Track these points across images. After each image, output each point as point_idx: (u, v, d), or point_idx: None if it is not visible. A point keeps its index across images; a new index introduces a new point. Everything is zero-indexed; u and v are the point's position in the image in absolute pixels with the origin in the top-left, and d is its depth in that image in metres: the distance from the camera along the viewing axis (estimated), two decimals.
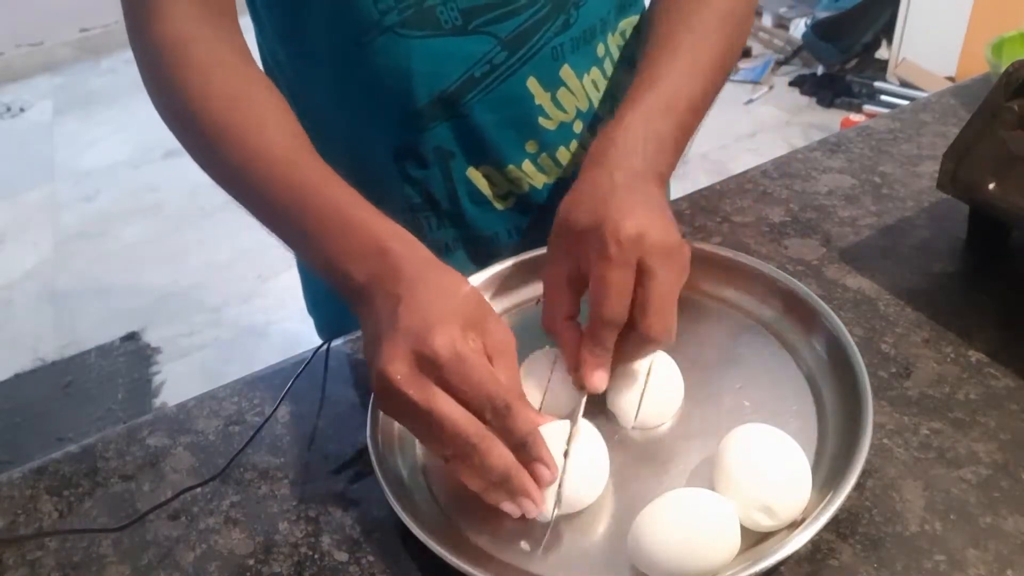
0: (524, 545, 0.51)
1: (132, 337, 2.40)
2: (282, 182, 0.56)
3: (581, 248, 0.54)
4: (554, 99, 0.72)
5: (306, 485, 0.58)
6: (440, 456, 0.50)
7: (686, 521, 0.47)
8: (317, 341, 0.68)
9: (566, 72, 0.71)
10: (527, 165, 0.74)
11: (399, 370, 0.47)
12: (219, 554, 0.54)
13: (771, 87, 3.33)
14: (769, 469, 0.49)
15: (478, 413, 0.48)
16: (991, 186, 0.64)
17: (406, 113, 0.69)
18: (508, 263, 0.69)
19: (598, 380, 0.54)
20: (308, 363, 0.65)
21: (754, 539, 0.49)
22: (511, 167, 0.74)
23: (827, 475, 0.51)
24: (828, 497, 0.48)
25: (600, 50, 0.73)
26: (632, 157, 0.57)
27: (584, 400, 0.55)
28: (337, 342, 0.68)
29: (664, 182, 0.60)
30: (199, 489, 0.57)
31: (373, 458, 0.54)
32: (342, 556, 0.53)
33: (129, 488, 0.59)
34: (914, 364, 0.61)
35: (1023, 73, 0.58)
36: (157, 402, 2.20)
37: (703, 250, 0.66)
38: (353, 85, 0.69)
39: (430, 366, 0.47)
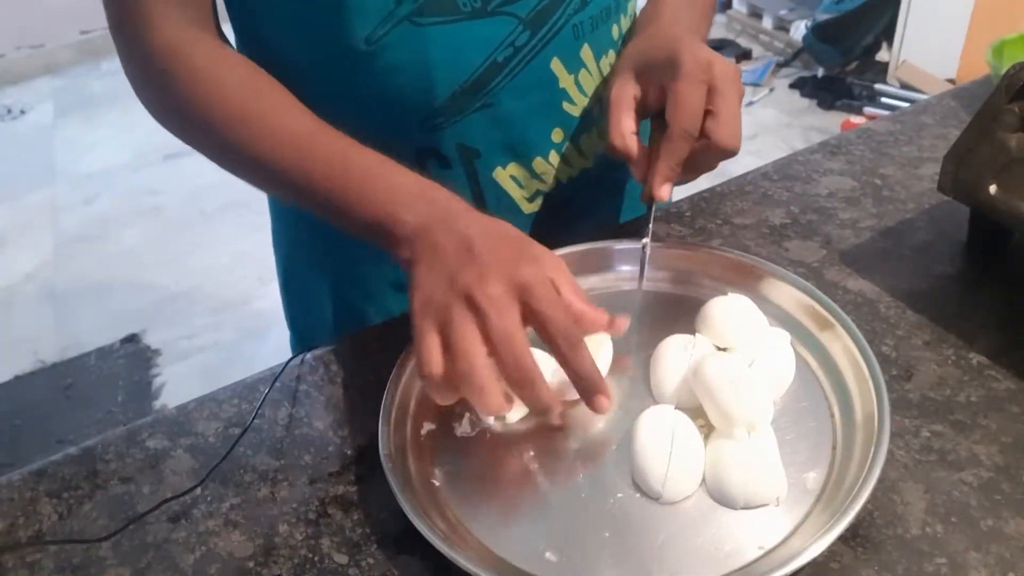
0: (550, 555, 0.51)
1: (132, 339, 2.40)
2: (318, 151, 0.60)
3: (652, 76, 0.64)
4: (577, 82, 0.72)
5: (306, 487, 0.57)
6: (470, 384, 0.51)
7: None
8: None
9: (586, 53, 0.71)
10: (553, 156, 0.74)
11: (491, 291, 0.51)
12: (219, 556, 0.54)
13: (772, 89, 3.33)
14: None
15: (552, 341, 0.52)
16: (992, 189, 0.64)
17: (427, 109, 0.68)
18: None
19: (665, 191, 0.64)
20: (277, 377, 0.65)
21: (758, 553, 0.49)
22: (538, 159, 0.74)
23: (835, 489, 0.52)
24: (839, 512, 0.48)
25: (615, 31, 0.73)
26: (679, 22, 0.69)
27: (653, 209, 0.67)
28: (315, 353, 0.68)
29: (705, 43, 0.69)
30: (198, 491, 0.57)
31: (384, 459, 0.54)
32: (342, 559, 0.53)
33: (129, 490, 0.59)
34: (915, 367, 0.61)
35: (1023, 75, 0.58)
36: (157, 404, 2.20)
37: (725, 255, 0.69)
38: (367, 87, 0.67)
39: (523, 293, 0.51)
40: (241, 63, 0.65)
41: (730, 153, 0.63)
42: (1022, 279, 0.68)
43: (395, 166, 0.60)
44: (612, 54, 0.74)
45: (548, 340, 0.52)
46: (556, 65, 0.69)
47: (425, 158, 0.71)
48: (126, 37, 0.65)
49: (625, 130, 0.65)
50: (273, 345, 2.30)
